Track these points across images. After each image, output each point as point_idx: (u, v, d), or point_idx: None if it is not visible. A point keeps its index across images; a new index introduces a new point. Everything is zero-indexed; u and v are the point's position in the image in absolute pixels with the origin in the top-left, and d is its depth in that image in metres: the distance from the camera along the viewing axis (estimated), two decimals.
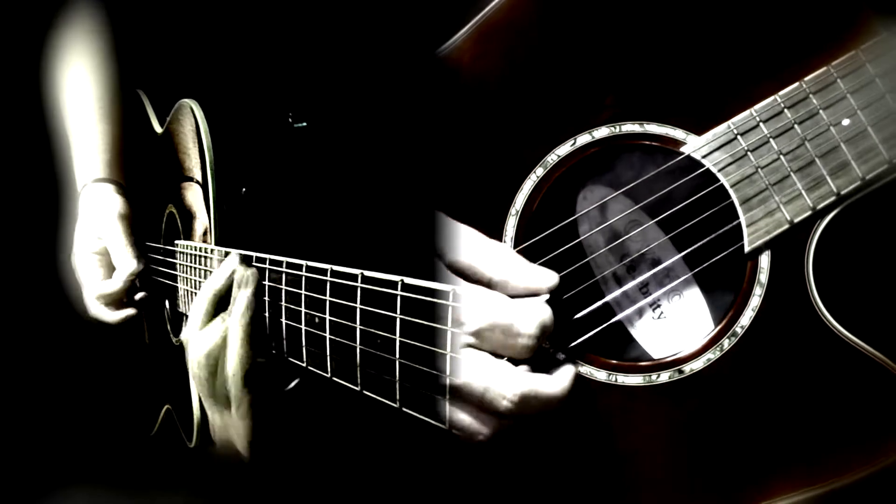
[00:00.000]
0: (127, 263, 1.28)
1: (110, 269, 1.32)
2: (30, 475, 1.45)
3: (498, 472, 0.82)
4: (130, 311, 1.33)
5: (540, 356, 0.76)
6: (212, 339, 0.88)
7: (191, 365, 0.90)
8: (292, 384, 0.97)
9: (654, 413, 0.81)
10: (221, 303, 0.91)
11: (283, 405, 0.93)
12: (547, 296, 0.78)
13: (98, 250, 1.32)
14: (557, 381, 0.73)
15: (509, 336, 0.72)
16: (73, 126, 1.41)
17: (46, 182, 1.44)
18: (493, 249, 0.81)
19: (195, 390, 0.97)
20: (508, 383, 0.70)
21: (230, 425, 0.90)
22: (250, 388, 0.86)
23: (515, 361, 0.73)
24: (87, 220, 1.34)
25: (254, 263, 0.91)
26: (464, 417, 0.71)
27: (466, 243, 0.80)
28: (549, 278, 0.79)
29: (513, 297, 0.77)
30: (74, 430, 1.51)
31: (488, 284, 0.79)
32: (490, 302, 0.73)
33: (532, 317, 0.72)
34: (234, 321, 0.87)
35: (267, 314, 0.89)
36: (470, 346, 0.71)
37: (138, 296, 1.34)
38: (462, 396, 0.70)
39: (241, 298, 0.87)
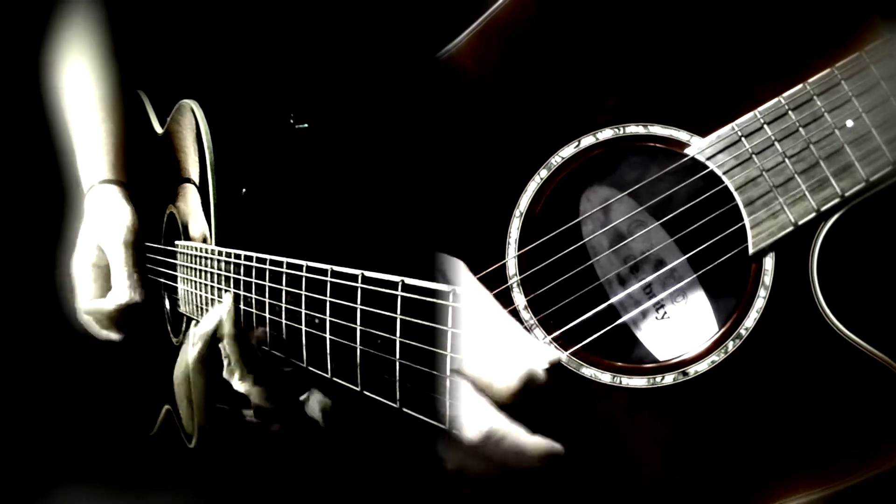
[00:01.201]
0: (122, 293, 1.28)
1: (105, 285, 1.31)
2: (30, 475, 1.45)
3: (478, 486, 0.82)
4: (114, 337, 1.33)
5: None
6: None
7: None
8: (305, 395, 0.96)
9: (658, 415, 0.81)
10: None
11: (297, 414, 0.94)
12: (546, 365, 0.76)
13: (96, 262, 1.31)
14: (531, 444, 0.73)
15: (490, 392, 0.71)
16: (76, 126, 1.41)
17: (47, 182, 1.44)
18: (497, 320, 0.79)
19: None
20: (479, 416, 0.70)
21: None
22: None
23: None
24: (92, 227, 1.33)
25: (254, 264, 0.90)
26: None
27: (471, 306, 0.79)
28: (550, 354, 0.77)
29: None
30: (74, 429, 1.51)
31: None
32: (491, 334, 0.72)
33: (521, 371, 0.72)
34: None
35: (266, 315, 0.89)
36: (455, 370, 0.70)
37: (114, 337, 1.34)
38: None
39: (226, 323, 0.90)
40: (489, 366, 0.71)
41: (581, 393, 0.82)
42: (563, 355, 0.82)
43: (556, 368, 0.79)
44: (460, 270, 0.81)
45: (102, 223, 1.32)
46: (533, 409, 0.73)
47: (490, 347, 0.72)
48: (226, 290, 0.95)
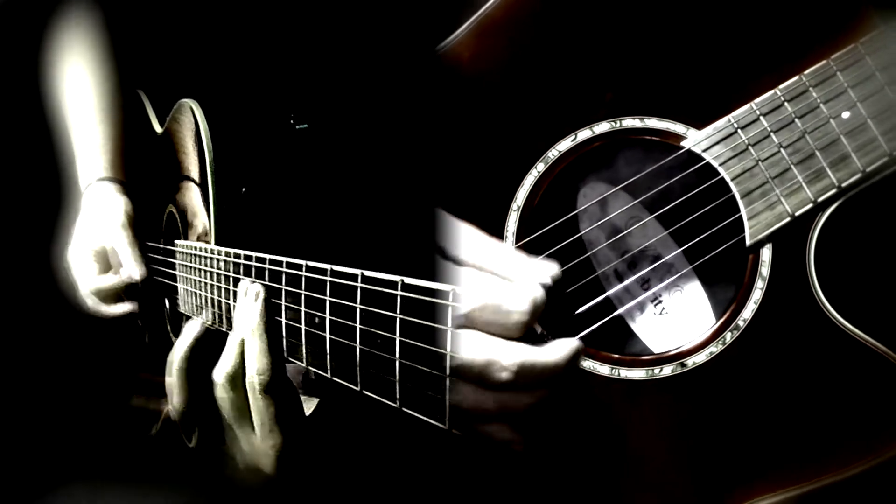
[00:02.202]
0: (131, 269, 1.28)
1: (105, 267, 1.32)
2: (30, 474, 1.45)
3: (500, 464, 0.82)
4: (129, 306, 1.33)
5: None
6: (230, 360, 0.87)
7: (216, 391, 0.89)
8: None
9: (656, 407, 0.81)
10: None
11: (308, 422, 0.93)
12: (545, 281, 0.78)
13: (96, 249, 1.32)
14: (555, 351, 0.73)
15: (500, 314, 0.72)
16: (75, 126, 1.41)
17: (47, 182, 1.44)
18: (493, 247, 0.80)
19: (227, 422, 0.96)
20: (506, 355, 0.71)
21: (255, 445, 0.88)
22: (274, 399, 0.85)
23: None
24: (89, 221, 1.34)
25: (254, 263, 0.91)
26: (466, 397, 0.72)
27: (467, 242, 0.80)
28: (550, 269, 0.79)
29: None
30: (75, 429, 1.52)
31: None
32: (480, 285, 0.73)
33: (523, 295, 0.73)
34: (250, 334, 0.86)
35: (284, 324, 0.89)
36: (462, 326, 0.71)
37: (129, 307, 1.34)
38: (462, 375, 0.71)
39: (254, 310, 0.86)
40: (493, 310, 0.72)
41: (579, 385, 0.82)
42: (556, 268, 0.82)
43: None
44: (454, 223, 0.82)
45: (98, 213, 1.32)
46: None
47: (488, 292, 0.73)
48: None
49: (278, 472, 0.88)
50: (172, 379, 0.95)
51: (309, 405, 0.98)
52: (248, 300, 0.87)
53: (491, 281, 0.75)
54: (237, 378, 0.86)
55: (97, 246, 1.32)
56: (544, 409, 0.75)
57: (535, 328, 0.83)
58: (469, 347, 0.71)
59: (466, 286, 0.72)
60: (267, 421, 0.85)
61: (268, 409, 0.85)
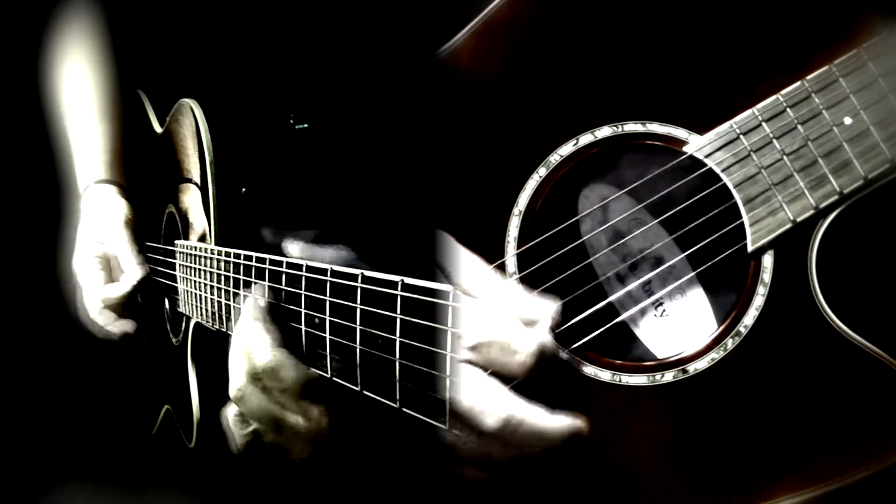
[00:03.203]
0: (134, 270, 1.28)
1: (110, 272, 1.32)
2: (30, 475, 1.45)
3: (500, 470, 0.82)
4: (129, 327, 1.33)
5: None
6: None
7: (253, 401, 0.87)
8: None
9: (658, 413, 0.81)
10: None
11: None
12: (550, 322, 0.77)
13: (99, 254, 1.32)
14: (552, 422, 0.72)
15: (506, 353, 0.71)
16: (73, 127, 1.41)
17: (47, 183, 1.44)
18: (492, 280, 0.80)
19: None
20: (497, 402, 0.70)
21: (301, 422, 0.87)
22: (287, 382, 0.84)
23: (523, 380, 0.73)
24: (89, 224, 1.34)
25: (254, 263, 0.90)
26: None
27: (467, 269, 0.80)
28: (549, 308, 0.78)
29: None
30: (75, 429, 1.51)
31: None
32: (491, 317, 0.72)
33: (532, 336, 0.72)
34: (256, 323, 0.85)
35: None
36: (465, 360, 0.71)
37: (130, 327, 1.33)
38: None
39: (258, 304, 0.86)
40: (497, 348, 0.71)
41: (581, 391, 0.82)
42: (563, 354, 0.82)
43: (555, 367, 0.79)
44: (454, 246, 0.82)
45: (98, 218, 1.32)
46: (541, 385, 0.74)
47: (492, 328, 0.72)
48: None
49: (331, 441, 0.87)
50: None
51: None
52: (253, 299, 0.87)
53: (501, 316, 0.74)
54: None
55: (99, 252, 1.32)
56: (524, 465, 0.74)
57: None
58: (463, 384, 0.70)
59: (473, 314, 0.71)
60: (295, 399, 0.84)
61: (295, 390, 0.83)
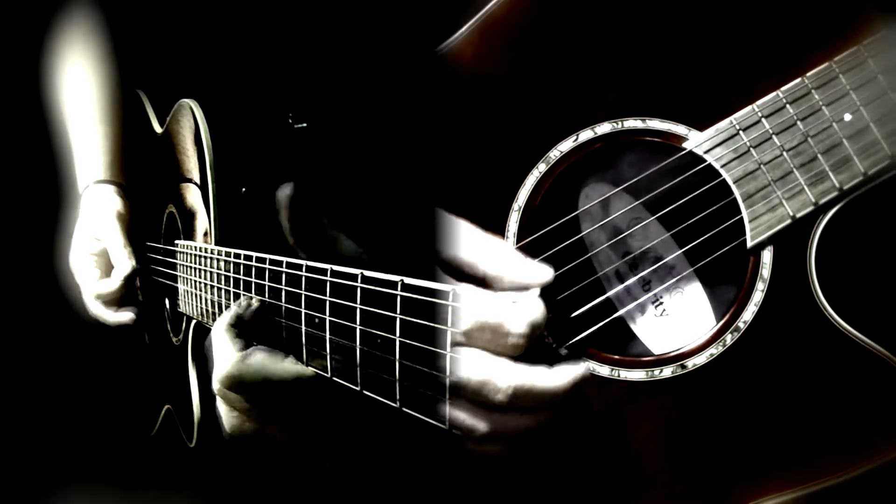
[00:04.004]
0: (124, 264, 1.29)
1: (106, 269, 1.32)
2: (31, 475, 1.45)
3: (499, 468, 0.82)
4: (129, 315, 1.33)
5: (542, 351, 0.75)
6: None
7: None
8: None
9: (656, 408, 0.81)
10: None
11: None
12: (538, 290, 0.77)
13: (95, 251, 1.32)
14: (556, 377, 0.72)
15: (498, 335, 0.71)
16: (74, 127, 1.41)
17: (47, 183, 1.44)
18: (489, 244, 0.80)
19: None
20: (503, 377, 0.70)
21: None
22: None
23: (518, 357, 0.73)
24: (85, 222, 1.34)
25: (254, 263, 0.91)
26: (459, 414, 0.71)
27: (464, 238, 0.80)
28: (544, 273, 0.78)
29: (508, 290, 0.77)
30: (75, 430, 1.51)
31: (483, 279, 0.79)
32: (480, 301, 0.72)
33: (522, 315, 0.72)
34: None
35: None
36: (460, 344, 0.71)
37: (127, 317, 1.34)
38: (460, 393, 0.70)
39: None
40: (491, 331, 0.71)
41: (579, 386, 0.82)
42: (561, 350, 0.82)
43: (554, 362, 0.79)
44: (453, 220, 0.82)
45: (93, 214, 1.33)
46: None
47: (487, 313, 0.72)
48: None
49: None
50: None
51: None
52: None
53: (489, 298, 0.74)
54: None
55: (95, 248, 1.32)
56: (543, 432, 0.74)
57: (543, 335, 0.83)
58: (466, 365, 0.70)
59: (465, 303, 0.71)
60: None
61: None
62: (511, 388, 0.70)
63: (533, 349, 0.74)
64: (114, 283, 1.29)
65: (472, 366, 0.70)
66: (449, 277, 0.79)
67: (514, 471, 0.82)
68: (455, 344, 0.70)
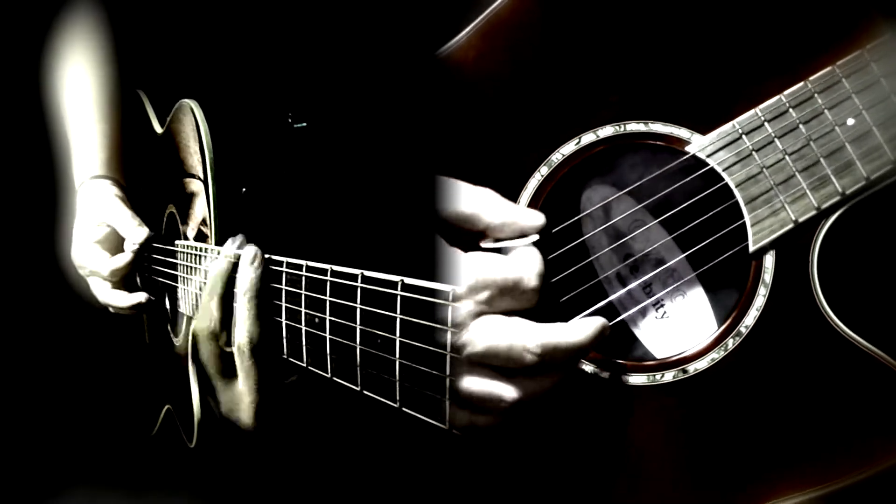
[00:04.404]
0: (135, 232, 1.28)
1: (116, 250, 1.32)
2: (31, 475, 1.45)
3: (500, 469, 0.82)
4: (142, 296, 1.32)
5: (549, 309, 0.77)
6: (215, 315, 0.93)
7: (198, 340, 0.94)
8: (292, 378, 0.97)
9: (658, 412, 0.81)
10: (228, 283, 0.94)
11: (284, 391, 0.96)
12: (536, 237, 0.80)
13: (99, 238, 1.32)
14: (580, 330, 0.74)
15: (517, 293, 0.74)
16: (72, 125, 1.41)
17: (45, 181, 1.44)
18: (483, 196, 0.82)
19: (194, 375, 0.98)
20: (530, 336, 0.72)
21: (236, 396, 0.93)
22: (257, 360, 0.90)
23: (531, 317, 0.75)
24: (85, 214, 1.34)
25: None
26: (485, 384, 0.72)
27: (460, 194, 0.81)
28: (537, 218, 0.81)
29: (504, 238, 0.80)
30: (75, 430, 1.51)
31: (484, 230, 0.80)
32: (491, 266, 0.74)
33: (530, 268, 0.75)
34: (242, 297, 0.90)
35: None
36: (482, 313, 0.72)
37: (140, 297, 1.33)
38: (486, 362, 0.71)
39: (248, 275, 0.89)
40: (506, 290, 0.74)
41: (581, 390, 0.82)
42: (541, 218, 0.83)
43: None
44: (452, 183, 0.83)
45: (93, 204, 1.32)
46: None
47: (495, 274, 0.74)
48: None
49: (254, 426, 0.93)
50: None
51: None
52: (245, 263, 0.89)
53: (493, 259, 0.76)
54: (219, 334, 0.93)
55: (99, 235, 1.32)
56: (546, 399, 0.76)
57: None
58: (487, 334, 0.72)
59: (474, 269, 0.73)
60: (251, 380, 0.91)
61: (251, 369, 0.90)
62: (540, 347, 0.72)
63: (542, 305, 0.75)
64: (126, 255, 1.29)
65: (493, 333, 0.72)
66: (445, 244, 0.80)
67: (514, 473, 0.82)
68: (478, 313, 0.71)
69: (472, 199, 0.81)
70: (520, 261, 0.76)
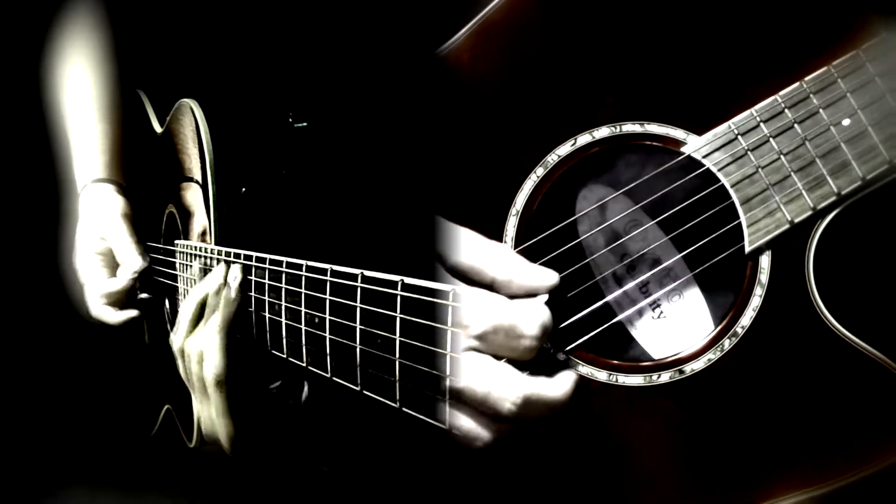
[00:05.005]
0: (132, 260, 1.28)
1: (113, 268, 1.32)
2: (30, 475, 1.45)
3: (498, 471, 0.82)
4: (133, 313, 1.33)
5: (541, 356, 0.76)
6: (199, 342, 0.92)
7: (179, 364, 0.94)
8: (275, 385, 0.97)
9: (654, 413, 0.81)
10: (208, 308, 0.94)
11: (267, 405, 0.95)
12: (546, 296, 0.78)
13: (100, 250, 1.32)
14: (560, 385, 0.74)
15: (512, 338, 0.72)
16: (73, 126, 1.41)
17: (46, 182, 1.44)
18: (494, 250, 0.81)
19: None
20: (512, 386, 0.71)
21: (214, 422, 0.92)
22: (226, 393, 0.89)
23: (517, 364, 0.73)
24: (88, 221, 1.34)
25: (254, 263, 0.91)
26: (464, 422, 0.72)
27: (468, 245, 0.80)
28: (550, 277, 0.79)
29: (513, 297, 0.78)
30: (75, 430, 1.51)
31: (490, 285, 0.79)
32: (492, 304, 0.73)
33: (533, 318, 0.73)
34: (214, 328, 0.90)
35: (266, 315, 0.89)
36: (472, 349, 0.71)
37: (142, 295, 1.34)
38: (463, 400, 0.71)
39: (226, 310, 0.89)
40: (505, 333, 0.73)
41: (577, 391, 0.82)
42: (560, 354, 0.83)
43: (553, 367, 0.80)
44: (454, 228, 0.83)
45: (97, 213, 1.32)
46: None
47: (500, 315, 0.73)
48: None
49: (233, 454, 0.93)
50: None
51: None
52: (226, 296, 0.90)
53: (497, 301, 0.75)
54: (199, 362, 0.92)
55: (100, 247, 1.32)
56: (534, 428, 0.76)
57: None
58: (470, 375, 0.71)
59: (474, 304, 0.72)
60: (220, 410, 0.90)
61: (220, 400, 0.90)
62: (521, 398, 0.71)
63: (538, 356, 0.75)
64: (121, 281, 1.29)
65: (477, 374, 0.71)
66: (456, 280, 0.79)
67: (512, 475, 0.82)
68: (468, 348, 0.71)
69: (476, 252, 0.80)
70: (523, 307, 0.74)
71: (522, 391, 0.71)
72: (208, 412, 0.93)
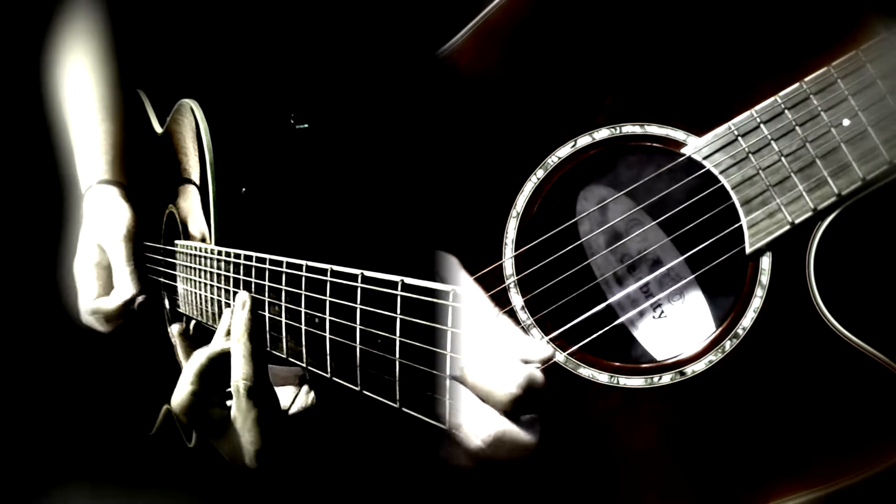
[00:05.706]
0: (126, 288, 1.28)
1: (107, 284, 1.31)
2: (30, 475, 1.45)
3: (499, 472, 0.82)
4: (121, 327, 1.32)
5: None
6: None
7: (180, 420, 0.92)
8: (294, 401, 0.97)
9: (655, 415, 0.81)
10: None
11: (288, 419, 0.95)
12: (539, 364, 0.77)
13: (98, 262, 1.31)
14: (529, 432, 0.72)
15: (494, 381, 0.71)
16: (75, 126, 1.41)
17: (48, 182, 1.44)
18: (490, 320, 0.80)
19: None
20: (483, 425, 0.70)
21: (235, 444, 0.90)
22: (256, 402, 0.87)
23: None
24: (91, 228, 1.33)
25: (254, 263, 0.91)
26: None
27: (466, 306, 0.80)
28: (545, 351, 0.78)
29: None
30: (75, 429, 1.51)
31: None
32: (490, 341, 0.72)
33: (522, 369, 0.72)
34: (236, 340, 0.88)
35: (265, 315, 0.89)
36: (457, 378, 0.71)
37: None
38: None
39: (240, 319, 0.88)
40: (488, 375, 0.71)
41: (579, 393, 0.82)
42: (561, 356, 0.83)
43: (553, 369, 0.80)
44: (456, 270, 0.82)
45: (101, 223, 1.32)
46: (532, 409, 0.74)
47: (487, 356, 0.72)
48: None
49: (258, 468, 0.91)
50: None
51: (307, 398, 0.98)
52: (236, 308, 0.89)
53: (499, 344, 0.74)
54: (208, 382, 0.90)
55: (99, 259, 1.31)
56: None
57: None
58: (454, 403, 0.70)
59: (474, 340, 0.71)
60: (249, 422, 0.87)
61: (250, 411, 0.87)
62: (491, 437, 0.70)
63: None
64: (111, 303, 1.29)
65: (457, 405, 0.70)
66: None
67: (511, 477, 0.82)
68: (454, 377, 0.70)
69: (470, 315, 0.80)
70: (507, 379, 0.72)
71: (492, 431, 0.70)
72: (226, 439, 0.91)
